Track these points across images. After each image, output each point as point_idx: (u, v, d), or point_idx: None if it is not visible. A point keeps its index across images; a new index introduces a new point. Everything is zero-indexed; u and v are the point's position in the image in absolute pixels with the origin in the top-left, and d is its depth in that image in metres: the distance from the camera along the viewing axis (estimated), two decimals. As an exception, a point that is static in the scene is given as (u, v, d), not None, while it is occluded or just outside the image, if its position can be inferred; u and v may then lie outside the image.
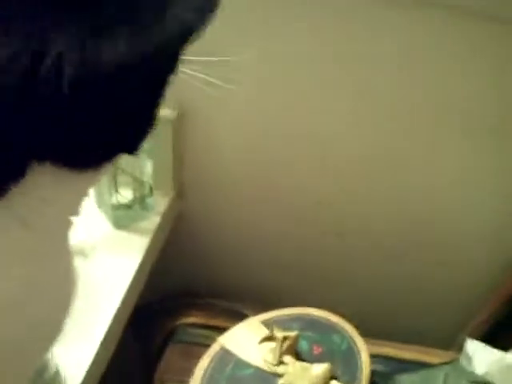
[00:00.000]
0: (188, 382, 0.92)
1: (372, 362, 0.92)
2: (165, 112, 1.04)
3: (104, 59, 0.37)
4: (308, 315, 0.96)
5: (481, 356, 0.88)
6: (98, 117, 0.41)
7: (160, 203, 1.12)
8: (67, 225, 0.52)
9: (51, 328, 0.58)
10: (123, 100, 0.42)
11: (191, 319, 1.14)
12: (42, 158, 0.42)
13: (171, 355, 1.09)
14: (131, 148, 0.47)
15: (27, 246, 0.47)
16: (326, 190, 1.09)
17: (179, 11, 0.41)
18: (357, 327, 0.97)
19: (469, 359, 0.90)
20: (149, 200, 1.09)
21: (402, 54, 0.92)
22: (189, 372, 0.93)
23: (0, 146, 0.39)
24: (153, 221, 1.09)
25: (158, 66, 0.45)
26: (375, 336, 1.01)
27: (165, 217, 1.11)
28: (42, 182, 0.44)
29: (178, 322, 1.15)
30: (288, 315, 0.96)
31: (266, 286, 1.14)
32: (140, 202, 1.08)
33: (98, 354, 0.91)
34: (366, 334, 0.97)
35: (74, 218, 0.51)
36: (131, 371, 1.27)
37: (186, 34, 0.42)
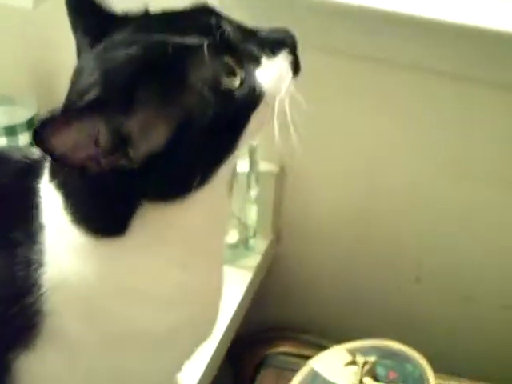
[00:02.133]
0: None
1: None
2: (269, 166, 1.23)
3: None
4: (386, 346, 1.11)
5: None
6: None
7: (261, 245, 1.30)
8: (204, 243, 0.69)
9: (204, 326, 0.76)
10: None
11: (282, 349, 1.30)
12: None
13: (263, 379, 1.25)
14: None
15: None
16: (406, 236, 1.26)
17: None
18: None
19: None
20: (251, 241, 1.27)
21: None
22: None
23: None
24: (254, 260, 1.27)
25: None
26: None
27: (264, 257, 1.29)
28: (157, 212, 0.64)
29: (270, 351, 1.31)
30: (369, 345, 1.11)
31: (350, 325, 1.28)
32: (244, 243, 1.26)
33: (203, 376, 1.08)
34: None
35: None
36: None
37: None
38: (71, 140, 0.55)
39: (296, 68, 0.68)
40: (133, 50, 0.60)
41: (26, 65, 1.36)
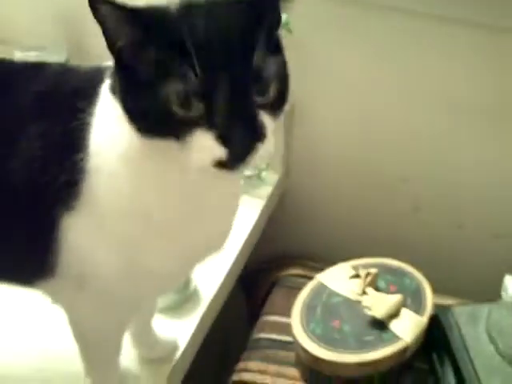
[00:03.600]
0: (290, 315, 1.20)
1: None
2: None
3: None
4: (386, 263, 1.23)
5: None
6: None
7: (272, 177, 1.43)
8: None
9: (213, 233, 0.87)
10: None
11: (292, 271, 1.43)
12: None
13: (275, 297, 1.37)
14: None
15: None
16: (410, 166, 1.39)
17: None
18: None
19: (507, 292, 1.15)
20: (264, 173, 1.39)
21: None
22: (291, 308, 1.20)
23: None
24: (266, 190, 1.40)
25: None
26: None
27: (275, 188, 1.42)
28: None
29: (280, 274, 1.44)
30: (371, 262, 1.23)
31: (355, 252, 1.39)
32: (257, 175, 1.38)
33: (216, 295, 1.20)
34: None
35: None
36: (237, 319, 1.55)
37: None
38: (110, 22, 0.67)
39: None
40: None
41: (57, 16, 1.48)
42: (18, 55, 1.41)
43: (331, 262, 1.28)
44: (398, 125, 1.36)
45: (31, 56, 1.40)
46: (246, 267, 1.35)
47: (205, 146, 0.68)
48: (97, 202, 0.79)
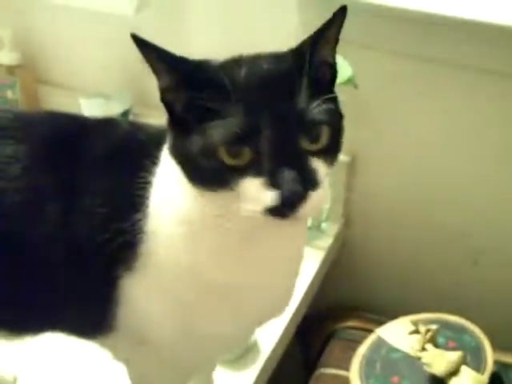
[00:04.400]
0: (347, 368, 1.20)
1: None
2: (341, 156, 1.36)
3: None
4: (446, 319, 1.23)
5: None
6: None
7: (332, 228, 1.43)
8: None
9: (277, 297, 0.87)
10: None
11: (349, 323, 1.43)
12: None
13: (333, 349, 1.37)
14: None
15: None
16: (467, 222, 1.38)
17: None
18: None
19: None
20: (323, 224, 1.41)
21: None
22: (349, 361, 1.20)
23: None
24: (326, 241, 1.41)
25: None
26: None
27: (335, 239, 1.43)
28: None
29: (338, 326, 1.44)
30: (431, 318, 1.23)
31: (413, 304, 1.39)
32: (317, 226, 1.39)
33: (275, 348, 1.21)
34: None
35: None
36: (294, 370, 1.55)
37: None
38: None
39: None
40: None
41: (124, 65, 1.53)
42: (83, 102, 1.46)
43: (390, 315, 1.28)
44: (459, 178, 1.36)
45: (95, 103, 1.46)
46: (305, 317, 1.35)
47: (254, 193, 0.68)
48: (154, 263, 0.80)
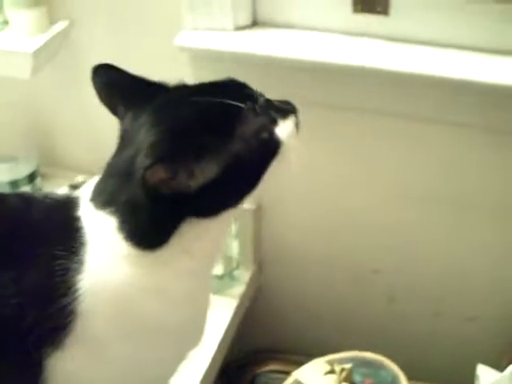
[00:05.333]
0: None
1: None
2: (247, 204, 1.37)
3: None
4: (361, 357, 1.24)
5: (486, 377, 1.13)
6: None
7: (244, 275, 1.43)
8: (212, 256, 0.89)
9: (198, 328, 0.90)
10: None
11: (270, 367, 1.43)
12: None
13: (255, 396, 1.37)
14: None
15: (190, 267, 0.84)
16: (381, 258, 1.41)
17: None
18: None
19: (480, 382, 1.15)
20: (235, 272, 1.41)
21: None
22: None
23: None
24: (239, 289, 1.41)
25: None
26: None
27: (248, 286, 1.43)
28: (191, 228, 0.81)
29: (259, 371, 1.44)
30: (345, 356, 1.24)
31: (331, 342, 1.40)
32: (229, 274, 1.40)
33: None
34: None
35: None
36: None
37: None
38: (161, 176, 0.75)
39: (297, 127, 0.91)
40: (194, 110, 0.82)
41: (26, 127, 1.51)
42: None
43: (309, 354, 1.29)
44: (366, 217, 1.38)
45: (2, 167, 1.43)
46: (226, 364, 1.35)
47: (291, 127, 0.90)
48: (91, 334, 0.81)
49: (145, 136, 0.80)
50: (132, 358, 0.85)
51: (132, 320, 0.83)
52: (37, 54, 1.29)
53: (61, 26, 1.34)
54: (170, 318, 0.85)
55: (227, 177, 0.81)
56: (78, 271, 0.80)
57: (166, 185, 0.76)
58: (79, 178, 1.39)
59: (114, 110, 0.89)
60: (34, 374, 0.81)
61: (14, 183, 1.41)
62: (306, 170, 1.34)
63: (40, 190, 1.46)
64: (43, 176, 1.49)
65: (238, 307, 1.38)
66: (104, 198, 0.83)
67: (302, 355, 1.41)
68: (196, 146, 0.78)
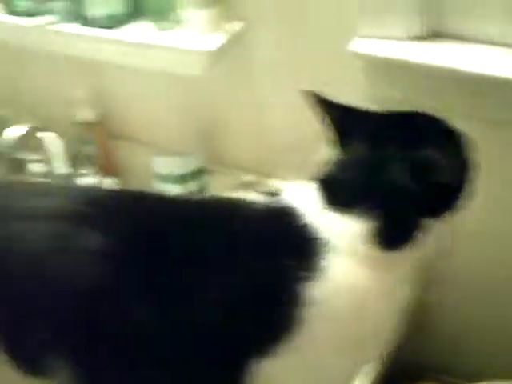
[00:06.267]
0: None
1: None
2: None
3: None
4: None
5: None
6: None
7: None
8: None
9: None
10: None
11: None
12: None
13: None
14: None
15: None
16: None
17: None
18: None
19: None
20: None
21: None
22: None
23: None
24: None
25: None
26: None
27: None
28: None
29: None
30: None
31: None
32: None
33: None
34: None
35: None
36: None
37: None
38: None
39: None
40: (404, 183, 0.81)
41: (196, 125, 1.54)
42: (156, 160, 1.50)
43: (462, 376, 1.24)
44: None
45: (168, 161, 1.49)
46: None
47: None
48: (311, 342, 0.80)
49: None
50: (338, 367, 0.84)
51: (359, 326, 0.81)
52: (212, 53, 1.31)
53: (236, 26, 1.35)
54: (390, 322, 0.85)
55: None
56: (309, 279, 0.79)
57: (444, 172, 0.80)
58: (247, 178, 1.41)
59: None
60: (235, 379, 0.81)
61: (183, 177, 1.46)
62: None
63: (206, 186, 1.49)
64: (210, 173, 1.51)
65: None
66: (345, 201, 0.82)
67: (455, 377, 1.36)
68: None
